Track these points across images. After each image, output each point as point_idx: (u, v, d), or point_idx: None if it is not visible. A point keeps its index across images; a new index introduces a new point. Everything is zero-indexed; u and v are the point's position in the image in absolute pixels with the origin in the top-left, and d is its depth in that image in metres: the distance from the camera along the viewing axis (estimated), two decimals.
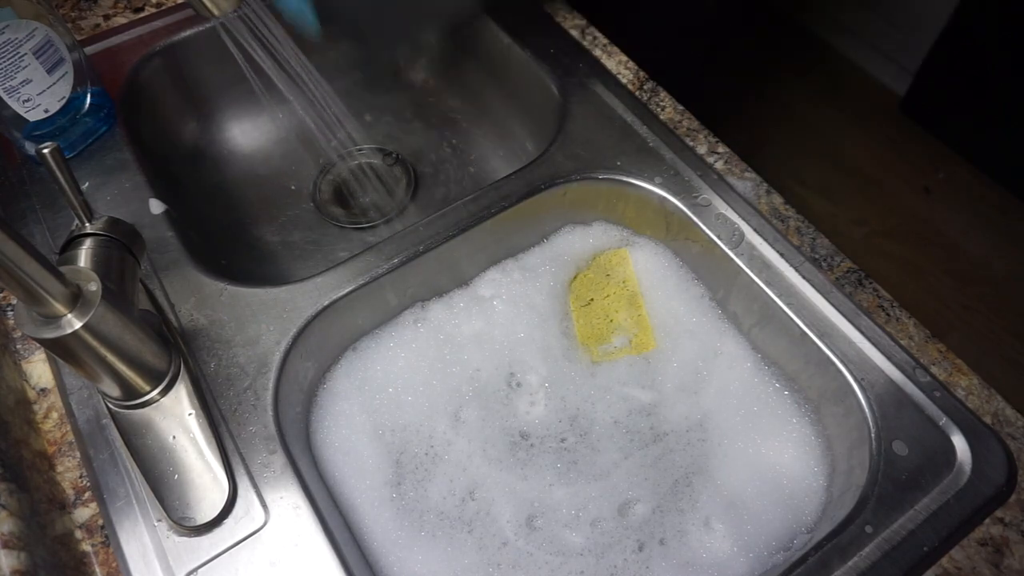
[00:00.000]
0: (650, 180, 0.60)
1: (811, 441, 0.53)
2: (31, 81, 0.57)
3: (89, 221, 0.44)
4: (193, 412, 0.47)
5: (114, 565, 0.43)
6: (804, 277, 0.54)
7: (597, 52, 0.71)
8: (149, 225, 0.57)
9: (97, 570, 0.44)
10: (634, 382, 0.57)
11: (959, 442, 0.47)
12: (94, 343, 0.40)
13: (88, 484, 0.46)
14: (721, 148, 0.63)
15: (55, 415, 0.49)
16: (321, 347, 0.55)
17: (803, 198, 1.77)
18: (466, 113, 0.83)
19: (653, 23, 1.13)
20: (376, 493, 0.52)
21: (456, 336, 0.59)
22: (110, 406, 0.47)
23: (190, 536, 0.43)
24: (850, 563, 0.43)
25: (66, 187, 0.42)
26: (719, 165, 0.62)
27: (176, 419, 0.47)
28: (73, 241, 0.44)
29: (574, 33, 0.72)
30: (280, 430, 0.48)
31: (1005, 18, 1.58)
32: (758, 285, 0.55)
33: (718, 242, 0.57)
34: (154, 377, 0.47)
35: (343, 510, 0.51)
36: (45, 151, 0.40)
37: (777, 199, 0.60)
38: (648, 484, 0.53)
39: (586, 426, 0.55)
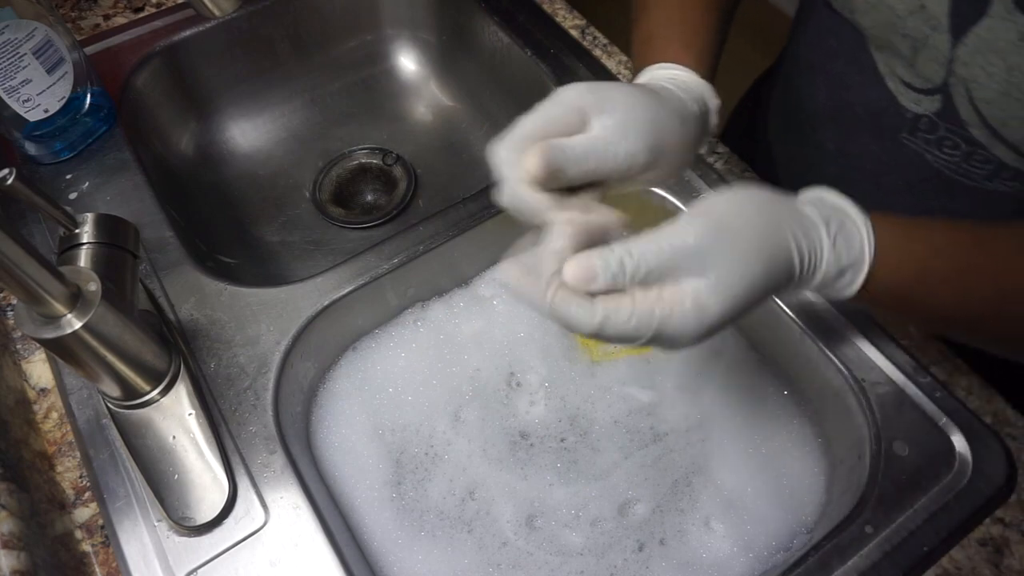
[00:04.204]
0: None
1: (811, 441, 0.53)
2: (31, 81, 0.57)
3: (75, 228, 0.44)
4: (193, 412, 0.47)
5: (114, 565, 0.43)
6: None
7: (597, 52, 0.71)
8: (149, 225, 0.57)
9: (97, 570, 0.44)
10: (634, 382, 0.57)
11: (959, 442, 0.47)
12: (94, 343, 0.40)
13: (88, 484, 0.46)
14: (721, 148, 0.63)
15: (55, 415, 0.49)
16: (321, 347, 0.55)
17: None
18: (466, 113, 0.83)
19: None
20: (376, 493, 0.52)
21: (456, 336, 0.59)
22: (110, 406, 0.47)
23: (190, 536, 0.43)
24: (850, 563, 0.43)
25: (40, 203, 0.40)
26: (719, 165, 0.62)
27: (176, 419, 0.47)
28: (73, 241, 0.44)
29: (574, 33, 0.72)
30: (280, 430, 0.48)
31: None
32: None
33: None
34: (154, 377, 0.47)
35: (343, 510, 0.51)
36: (8, 183, 0.38)
37: None
38: (648, 484, 0.53)
39: (586, 426, 0.55)
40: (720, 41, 0.48)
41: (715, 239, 0.32)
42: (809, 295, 0.53)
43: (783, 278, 0.34)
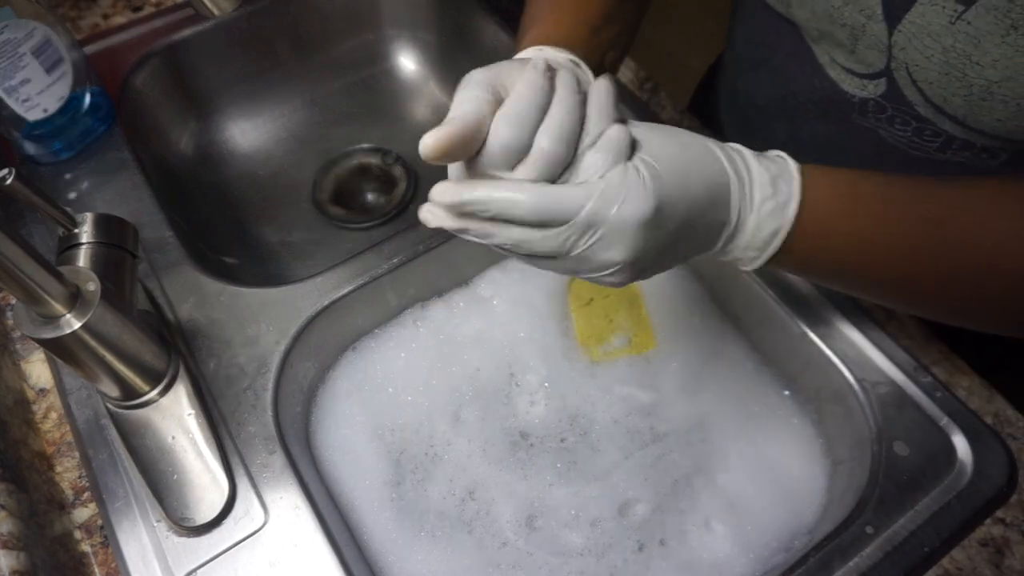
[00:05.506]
0: None
1: (811, 441, 0.53)
2: (30, 81, 0.56)
3: (74, 228, 0.44)
4: (192, 412, 0.47)
5: (113, 566, 0.43)
6: None
7: None
8: (148, 225, 0.57)
9: (96, 570, 0.44)
10: (634, 382, 0.57)
11: (960, 442, 0.47)
12: (93, 343, 0.40)
13: (87, 484, 0.46)
14: None
15: (54, 415, 0.49)
16: (321, 347, 0.55)
17: None
18: None
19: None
20: (376, 493, 0.52)
21: (456, 336, 0.59)
22: (109, 406, 0.47)
23: (189, 536, 0.43)
24: (851, 563, 0.43)
25: (39, 203, 0.41)
26: None
27: (175, 419, 0.47)
28: (72, 241, 0.44)
29: None
30: (280, 430, 0.48)
31: None
32: (758, 285, 0.55)
33: None
34: (153, 377, 0.47)
35: (343, 510, 0.51)
36: (7, 182, 0.38)
37: None
38: (648, 484, 0.53)
39: (586, 426, 0.55)
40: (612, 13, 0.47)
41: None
42: (810, 295, 0.53)
43: (720, 191, 0.35)
